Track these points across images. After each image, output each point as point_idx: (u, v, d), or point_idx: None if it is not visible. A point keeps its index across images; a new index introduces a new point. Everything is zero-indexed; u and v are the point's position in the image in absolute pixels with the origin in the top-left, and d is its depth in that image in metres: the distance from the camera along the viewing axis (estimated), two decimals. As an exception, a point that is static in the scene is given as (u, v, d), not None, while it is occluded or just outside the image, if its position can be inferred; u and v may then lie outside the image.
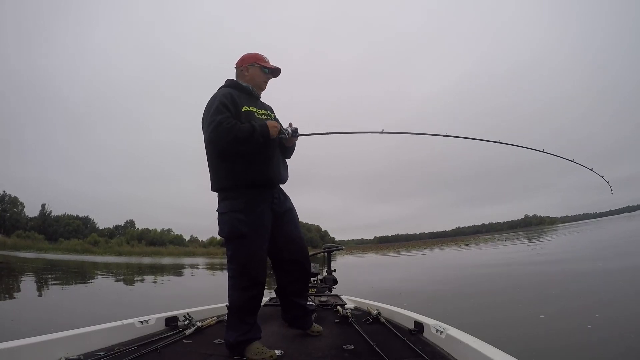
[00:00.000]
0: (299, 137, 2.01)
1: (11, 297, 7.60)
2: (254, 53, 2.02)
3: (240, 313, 1.73)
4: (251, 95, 1.97)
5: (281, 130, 1.89)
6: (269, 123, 1.82)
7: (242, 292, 1.73)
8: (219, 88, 1.94)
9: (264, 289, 1.81)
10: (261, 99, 2.07)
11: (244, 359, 1.64)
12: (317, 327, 2.09)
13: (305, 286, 2.11)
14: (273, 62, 2.05)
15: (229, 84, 1.96)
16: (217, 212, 1.83)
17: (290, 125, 1.97)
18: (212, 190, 1.86)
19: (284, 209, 1.95)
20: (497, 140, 2.48)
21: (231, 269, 1.75)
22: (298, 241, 2.00)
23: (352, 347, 1.75)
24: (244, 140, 1.68)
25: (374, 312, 2.31)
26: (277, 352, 1.68)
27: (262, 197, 1.82)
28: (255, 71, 1.97)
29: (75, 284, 10.80)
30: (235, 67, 2.02)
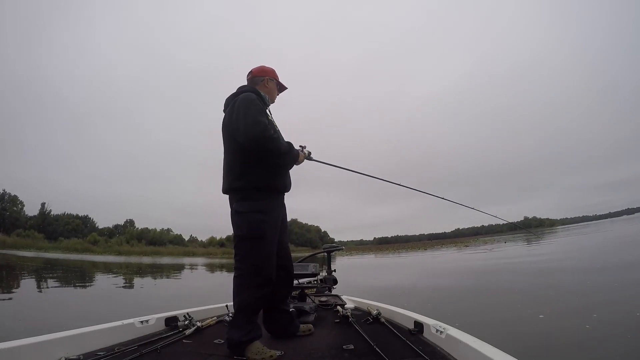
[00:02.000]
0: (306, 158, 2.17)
1: (16, 296, 7.60)
2: (272, 69, 2.15)
3: (248, 312, 1.75)
4: (266, 106, 2.04)
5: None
6: (300, 154, 2.03)
7: (255, 290, 1.75)
8: (244, 92, 1.92)
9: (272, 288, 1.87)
10: None
11: (244, 359, 1.64)
12: (305, 326, 2.10)
13: (290, 292, 2.23)
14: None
15: (253, 90, 1.96)
16: (235, 211, 1.82)
17: (304, 147, 2.14)
18: (229, 188, 1.85)
19: (284, 217, 2.06)
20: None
21: (242, 268, 1.76)
22: (288, 248, 2.10)
23: (352, 347, 1.75)
24: (280, 155, 1.81)
25: (374, 312, 2.32)
26: (277, 353, 1.68)
27: (279, 202, 1.94)
28: (273, 86, 2.13)
29: (77, 283, 10.79)
30: (253, 75, 2.10)
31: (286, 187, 1.97)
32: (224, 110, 2.00)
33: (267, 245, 1.79)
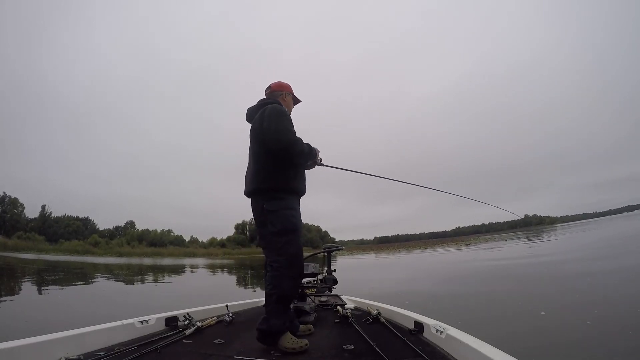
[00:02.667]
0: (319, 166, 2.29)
1: (18, 298, 7.63)
2: (289, 84, 2.34)
3: (286, 302, 1.90)
4: None
5: None
6: (317, 148, 2.17)
7: (292, 281, 1.91)
8: (270, 103, 2.11)
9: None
10: None
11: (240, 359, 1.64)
12: (305, 326, 2.13)
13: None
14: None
15: (277, 102, 2.16)
16: (267, 210, 1.94)
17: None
18: (257, 189, 1.99)
19: None
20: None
21: (280, 260, 1.89)
22: None
23: (352, 347, 1.75)
24: (305, 156, 2.03)
25: (374, 312, 2.32)
26: (276, 353, 1.71)
27: (298, 204, 2.09)
28: (290, 100, 2.33)
29: (77, 284, 10.80)
30: (272, 90, 2.27)
31: (303, 190, 2.14)
32: (248, 120, 2.21)
33: (299, 238, 1.98)
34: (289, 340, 1.77)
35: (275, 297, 1.85)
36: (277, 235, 1.91)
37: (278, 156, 1.95)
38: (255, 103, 2.26)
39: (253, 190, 2.02)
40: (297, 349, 1.73)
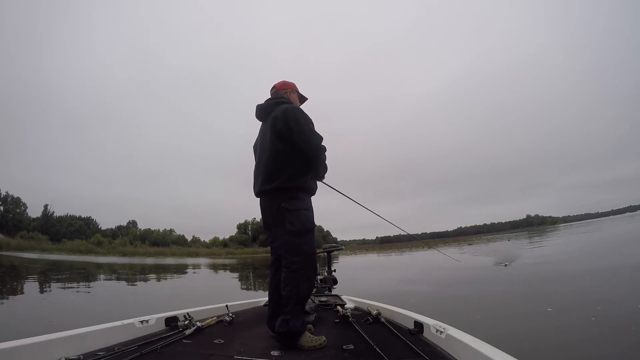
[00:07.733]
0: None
1: (20, 297, 7.70)
2: (293, 82, 2.34)
3: (304, 302, 1.94)
4: None
5: None
6: None
7: (309, 281, 1.95)
8: (284, 102, 2.11)
9: None
10: None
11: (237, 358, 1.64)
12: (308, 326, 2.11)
13: None
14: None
15: (289, 102, 2.16)
16: (285, 209, 1.92)
17: None
18: (277, 188, 1.94)
19: None
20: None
21: (296, 262, 1.89)
22: None
23: (352, 347, 1.75)
24: (324, 166, 2.10)
25: (374, 312, 2.32)
26: (276, 353, 1.70)
27: (311, 203, 2.10)
28: (296, 97, 2.30)
29: (80, 284, 10.86)
30: (277, 89, 2.26)
31: (315, 190, 2.17)
32: (259, 118, 2.20)
33: (314, 239, 2.00)
34: (307, 340, 1.81)
35: (295, 298, 1.85)
36: (295, 235, 1.90)
37: (305, 158, 1.96)
38: (256, 103, 2.22)
39: (272, 189, 1.97)
40: (317, 346, 1.79)
